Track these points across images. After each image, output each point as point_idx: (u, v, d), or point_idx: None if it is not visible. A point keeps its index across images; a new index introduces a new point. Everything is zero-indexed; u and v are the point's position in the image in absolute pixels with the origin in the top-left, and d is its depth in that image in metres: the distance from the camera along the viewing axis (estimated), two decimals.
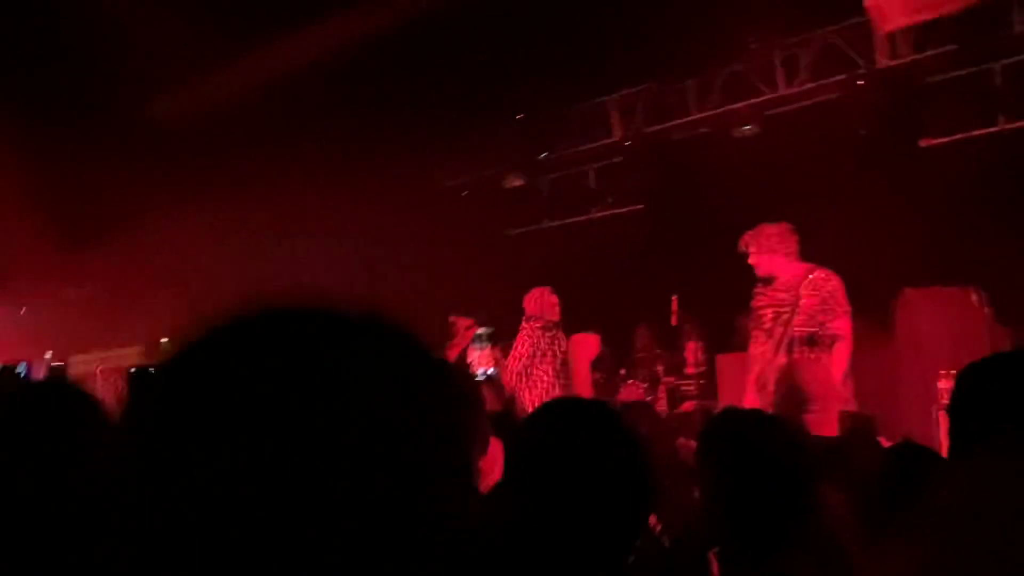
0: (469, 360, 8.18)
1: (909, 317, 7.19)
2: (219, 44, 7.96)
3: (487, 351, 8.44)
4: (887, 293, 6.96)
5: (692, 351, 8.46)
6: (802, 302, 5.57)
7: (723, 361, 7.78)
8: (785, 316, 5.61)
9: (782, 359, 5.53)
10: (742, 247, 5.91)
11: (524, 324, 7.27)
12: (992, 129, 8.08)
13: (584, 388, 7.70)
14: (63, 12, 7.57)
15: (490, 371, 8.12)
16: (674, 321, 8.39)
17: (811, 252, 6.01)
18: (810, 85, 8.76)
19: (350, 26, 7.96)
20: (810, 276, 5.62)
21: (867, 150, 8.19)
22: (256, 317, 0.77)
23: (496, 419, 2.90)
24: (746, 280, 6.08)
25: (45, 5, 7.58)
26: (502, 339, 8.14)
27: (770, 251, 5.77)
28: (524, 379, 7.05)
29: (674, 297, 8.30)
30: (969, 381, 1.93)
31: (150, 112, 8.96)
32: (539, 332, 7.17)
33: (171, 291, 10.11)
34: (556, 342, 7.22)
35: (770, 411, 3.25)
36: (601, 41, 8.46)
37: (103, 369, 10.71)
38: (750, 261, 5.86)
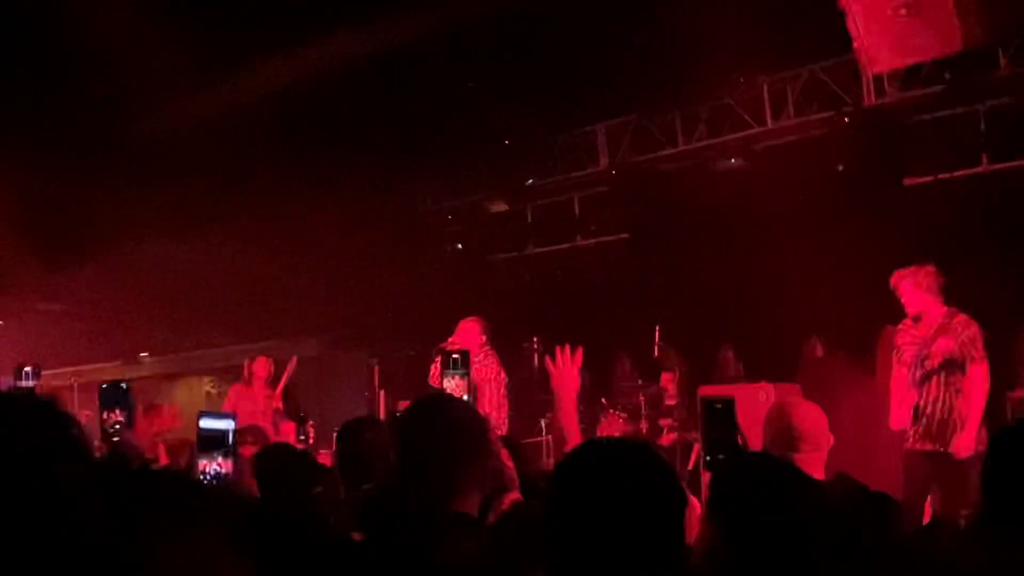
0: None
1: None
2: (203, 67, 7.95)
3: (460, 381, 8.37)
4: (869, 329, 6.99)
5: (671, 382, 8.44)
6: (939, 342, 5.77)
7: (704, 393, 7.77)
8: (924, 353, 5.81)
9: (914, 395, 5.82)
10: (894, 284, 6.02)
11: (489, 350, 7.44)
12: (975, 170, 8.15)
13: (571, 420, 7.64)
14: (46, 31, 7.53)
15: (464, 398, 8.06)
16: (656, 352, 8.38)
17: (793, 287, 6.03)
18: (796, 121, 8.82)
19: (337, 51, 7.96)
20: (952, 319, 5.81)
21: (851, 187, 8.25)
22: None
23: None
24: (728, 313, 6.10)
25: (28, 24, 7.54)
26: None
27: (925, 290, 5.91)
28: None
29: (656, 327, 8.29)
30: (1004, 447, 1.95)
31: (132, 132, 8.92)
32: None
33: (150, 307, 10.03)
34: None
35: (775, 450, 3.22)
36: (590, 71, 8.50)
37: (82, 385, 10.60)
38: (904, 299, 5.98)
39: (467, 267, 11.51)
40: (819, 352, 8.07)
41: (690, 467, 7.39)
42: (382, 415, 9.51)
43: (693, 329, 8.33)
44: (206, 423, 2.72)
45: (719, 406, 2.70)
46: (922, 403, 5.82)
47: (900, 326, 6.11)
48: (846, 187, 8.25)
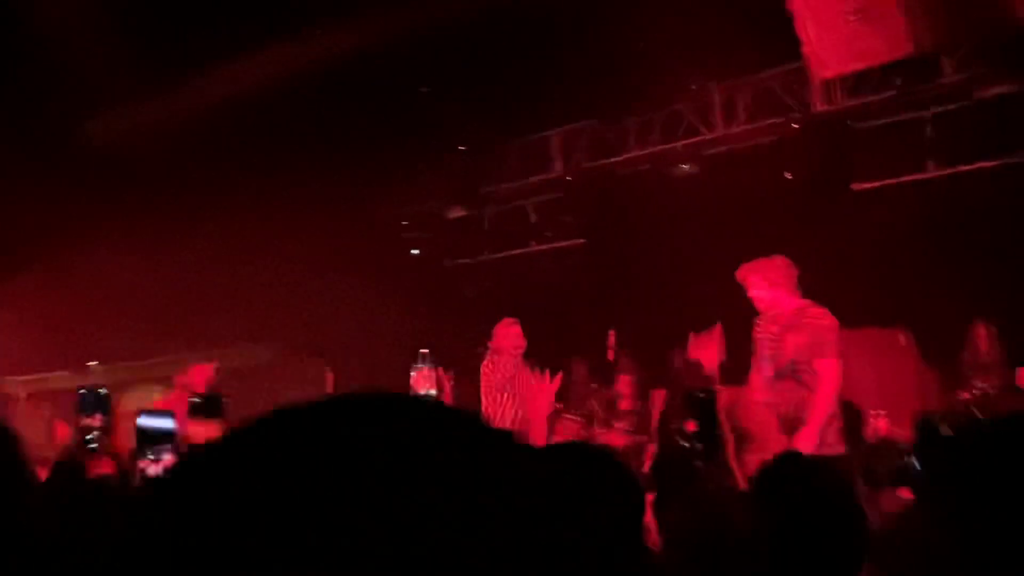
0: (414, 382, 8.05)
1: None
2: (155, 73, 7.87)
3: (429, 372, 8.28)
4: None
5: (627, 386, 8.48)
6: (789, 337, 5.49)
7: (658, 396, 7.83)
8: (775, 351, 5.53)
9: (767, 393, 5.48)
10: (740, 278, 5.77)
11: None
12: (922, 175, 8.30)
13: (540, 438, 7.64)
14: None
15: (432, 392, 7.99)
16: (611, 356, 8.42)
17: (743, 291, 6.08)
18: (747, 127, 8.93)
19: (293, 56, 7.92)
20: (806, 312, 5.54)
21: (801, 192, 8.36)
22: None
23: None
24: (682, 317, 6.12)
25: None
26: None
27: (776, 284, 5.67)
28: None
29: (611, 332, 8.34)
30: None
31: (83, 138, 8.80)
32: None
33: (99, 316, 9.87)
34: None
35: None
36: (545, 77, 8.54)
37: (31, 394, 10.41)
38: (752, 295, 5.74)
39: (423, 273, 11.49)
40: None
41: (645, 470, 7.43)
42: None
43: (647, 333, 8.38)
44: (146, 421, 2.58)
45: (702, 396, 2.74)
46: (775, 401, 5.47)
47: (756, 320, 5.83)
48: (796, 192, 8.37)
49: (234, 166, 9.22)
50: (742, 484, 2.57)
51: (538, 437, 3.15)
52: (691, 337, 4.05)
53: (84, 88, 8.00)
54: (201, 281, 9.93)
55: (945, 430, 2.25)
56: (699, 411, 2.67)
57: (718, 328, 5.35)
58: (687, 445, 2.66)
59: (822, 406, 5.28)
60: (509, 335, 7.28)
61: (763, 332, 5.73)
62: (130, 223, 9.32)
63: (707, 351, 3.40)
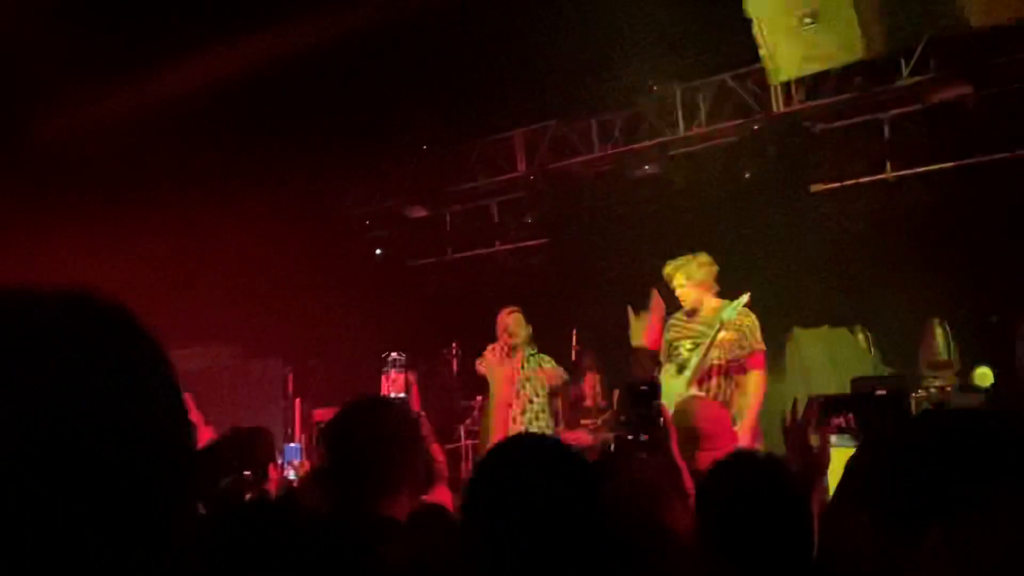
0: (384, 385, 7.99)
1: (798, 354, 7.39)
2: (108, 67, 7.76)
3: (400, 376, 8.26)
4: (779, 331, 7.14)
5: (591, 385, 8.51)
6: (719, 335, 5.54)
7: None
8: (701, 349, 5.58)
9: (694, 393, 5.46)
10: (667, 276, 5.81)
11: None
12: (879, 176, 8.41)
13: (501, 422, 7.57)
14: None
15: (401, 395, 7.97)
16: (574, 355, 8.44)
17: None
18: (707, 128, 9.00)
19: (253, 54, 7.85)
20: (728, 310, 5.59)
21: (761, 192, 8.44)
22: None
23: None
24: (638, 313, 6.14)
25: None
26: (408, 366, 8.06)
27: (698, 282, 5.72)
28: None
29: (574, 331, 8.36)
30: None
31: (35, 135, 8.66)
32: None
33: None
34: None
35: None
36: (507, 77, 8.55)
37: None
38: (678, 293, 5.78)
39: (387, 272, 11.45)
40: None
41: None
42: (297, 423, 9.40)
43: (610, 332, 8.41)
44: None
45: (644, 388, 2.75)
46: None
47: (671, 320, 5.90)
48: (755, 192, 8.44)
49: (193, 165, 9.13)
50: (687, 477, 2.59)
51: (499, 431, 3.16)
52: (631, 322, 3.98)
53: (33, 86, 7.87)
54: (159, 281, 9.82)
55: (879, 390, 2.29)
56: (640, 403, 2.68)
57: (656, 306, 5.35)
58: (631, 437, 2.67)
59: (756, 402, 5.38)
60: (499, 323, 7.07)
61: (682, 332, 5.82)
62: (84, 223, 9.19)
63: (649, 336, 3.43)
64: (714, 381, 5.59)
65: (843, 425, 2.37)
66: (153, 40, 7.59)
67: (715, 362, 5.60)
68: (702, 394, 5.44)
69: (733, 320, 5.57)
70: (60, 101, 8.30)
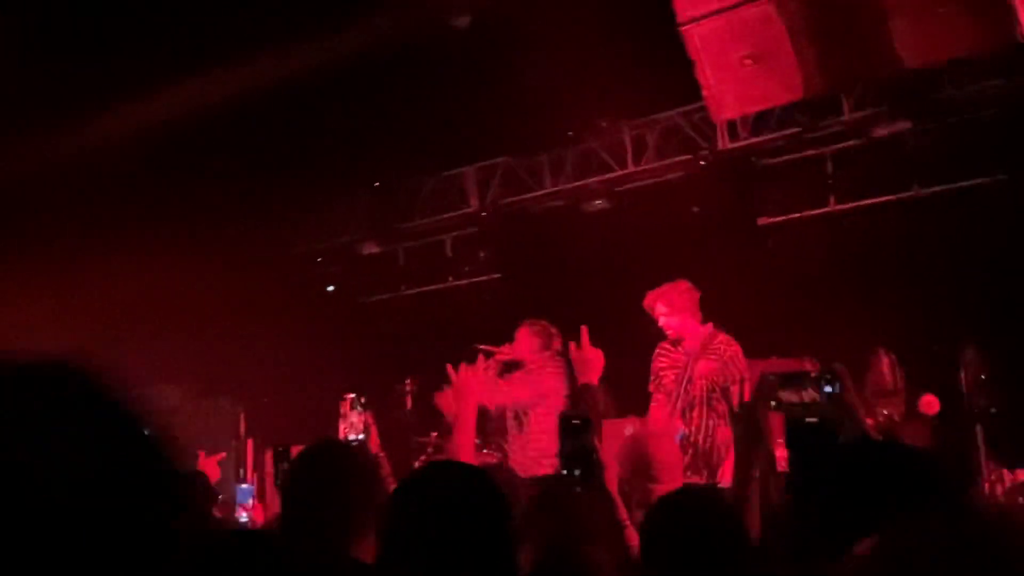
0: (342, 428, 7.87)
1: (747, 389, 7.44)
2: (60, 103, 7.69)
3: (357, 417, 8.15)
4: None
5: None
6: (700, 366, 5.48)
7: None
8: (684, 378, 5.51)
9: (678, 423, 5.41)
10: (648, 306, 5.72)
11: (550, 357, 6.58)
12: (824, 210, 8.59)
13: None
14: None
15: (360, 436, 7.87)
16: None
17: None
18: (656, 164, 9.13)
19: (202, 91, 7.83)
20: (713, 339, 5.54)
21: (710, 226, 8.58)
22: None
23: None
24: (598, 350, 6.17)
25: None
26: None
27: (680, 309, 5.66)
28: None
29: None
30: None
31: None
32: None
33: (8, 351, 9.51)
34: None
35: (619, 482, 3.30)
36: (459, 114, 8.61)
37: None
38: (661, 323, 5.69)
39: (339, 309, 11.41)
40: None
41: None
42: (249, 464, 9.28)
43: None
44: None
45: (576, 422, 2.78)
46: (688, 432, 5.46)
47: (658, 349, 5.83)
48: (704, 226, 8.58)
49: (141, 203, 9.05)
50: (622, 509, 2.63)
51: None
52: (572, 355, 3.99)
53: None
54: (106, 321, 9.68)
55: (809, 418, 2.34)
56: (573, 436, 2.72)
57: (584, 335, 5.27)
58: (564, 472, 2.71)
59: None
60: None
61: (667, 360, 5.76)
62: (32, 263, 9.05)
63: (591, 369, 3.45)
64: (695, 412, 5.50)
65: (795, 401, 2.41)
66: (101, 81, 7.55)
67: (697, 393, 5.50)
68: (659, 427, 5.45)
69: (716, 348, 5.48)
70: (7, 141, 8.19)
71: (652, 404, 5.79)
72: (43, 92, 7.58)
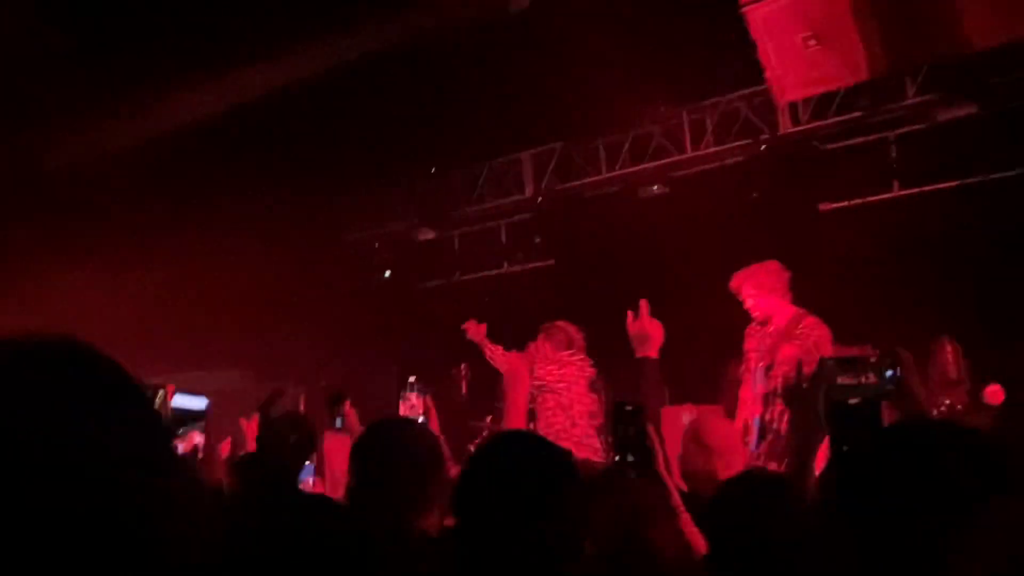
0: (403, 409, 7.93)
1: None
2: (117, 93, 7.82)
3: (417, 399, 8.19)
4: None
5: (597, 404, 8.48)
6: (783, 350, 5.33)
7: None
8: (768, 362, 5.36)
9: (758, 409, 5.29)
10: (735, 287, 5.58)
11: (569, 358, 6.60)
12: (887, 195, 8.42)
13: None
14: None
15: (421, 418, 7.92)
16: None
17: (714, 311, 6.11)
18: (715, 149, 9.02)
19: (259, 79, 7.91)
20: (799, 322, 5.36)
21: (769, 212, 8.45)
22: None
23: None
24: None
25: None
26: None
27: (770, 290, 5.49)
28: None
29: None
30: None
31: (43, 164, 8.72)
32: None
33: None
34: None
35: (681, 465, 3.27)
36: (515, 99, 8.59)
37: None
38: (748, 305, 5.55)
39: (395, 295, 11.48)
40: (740, 374, 8.20)
41: None
42: None
43: (618, 353, 8.41)
44: (179, 401, 2.60)
45: (630, 408, 2.76)
46: (767, 417, 5.31)
47: (748, 329, 5.67)
48: (763, 213, 8.45)
49: (202, 190, 9.19)
50: (675, 496, 2.60)
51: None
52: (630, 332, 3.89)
53: (39, 113, 7.94)
54: (172, 307, 9.86)
55: (852, 399, 2.27)
56: (626, 422, 2.69)
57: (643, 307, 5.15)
58: (617, 458, 2.68)
59: None
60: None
61: (754, 342, 5.60)
62: (97, 249, 9.23)
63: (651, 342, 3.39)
64: (777, 408, 5.30)
65: (854, 384, 2.35)
66: (158, 68, 7.66)
67: (780, 377, 5.33)
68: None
69: (802, 332, 5.30)
70: (64, 131, 8.36)
71: (742, 385, 5.61)
72: (107, 82, 7.71)
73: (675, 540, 2.59)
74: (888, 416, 2.44)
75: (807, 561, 1.94)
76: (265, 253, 9.77)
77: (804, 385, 5.14)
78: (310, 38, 7.60)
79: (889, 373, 2.40)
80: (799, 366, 5.28)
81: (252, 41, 7.58)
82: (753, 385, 5.46)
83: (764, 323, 5.55)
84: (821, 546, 2.02)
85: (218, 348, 10.28)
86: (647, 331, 3.16)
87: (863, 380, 2.32)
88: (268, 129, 8.76)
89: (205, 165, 8.99)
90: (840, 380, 2.31)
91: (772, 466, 5.11)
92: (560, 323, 6.66)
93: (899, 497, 1.41)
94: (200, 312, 10.00)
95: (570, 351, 6.59)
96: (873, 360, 2.40)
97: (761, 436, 5.29)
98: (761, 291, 5.53)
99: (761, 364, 5.44)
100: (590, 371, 6.46)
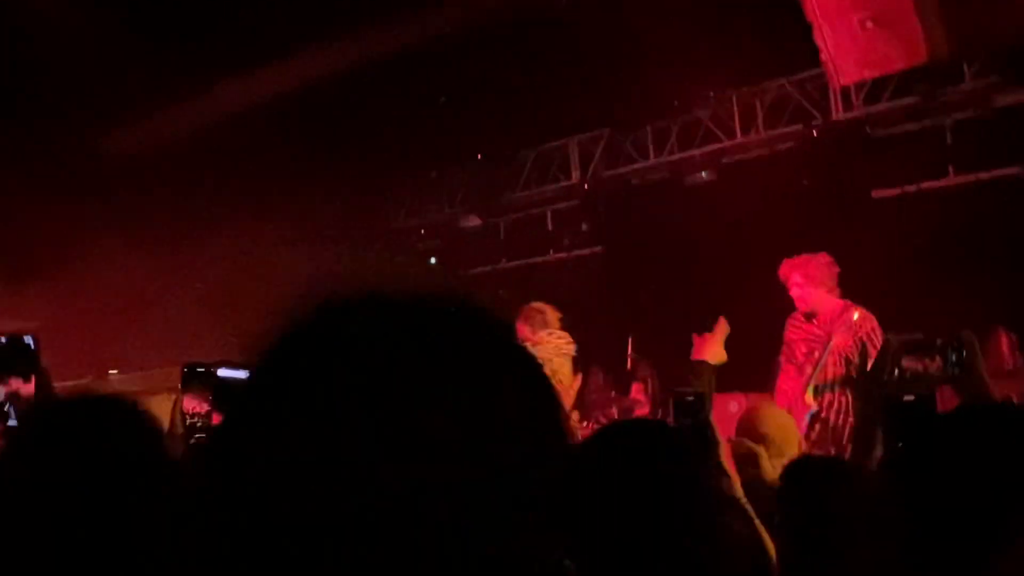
0: None
1: None
2: (168, 80, 7.89)
3: None
4: None
5: (642, 393, 8.43)
6: (835, 341, 5.30)
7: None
8: (817, 354, 5.35)
9: (809, 402, 5.28)
10: (783, 275, 5.57)
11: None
12: (942, 182, 8.25)
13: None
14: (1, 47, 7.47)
15: None
16: (629, 363, 8.38)
17: (763, 299, 6.03)
18: (765, 134, 8.91)
19: (306, 67, 7.94)
20: (848, 314, 5.35)
21: (820, 199, 8.32)
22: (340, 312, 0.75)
23: None
24: (699, 325, 6.06)
25: None
26: None
27: (818, 283, 5.46)
28: None
29: (629, 339, 8.31)
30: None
31: (91, 148, 8.84)
32: None
33: (117, 324, 9.91)
34: None
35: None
36: (561, 85, 8.55)
37: None
38: (793, 293, 5.53)
39: (441, 282, 11.50)
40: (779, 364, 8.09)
41: None
42: None
43: (665, 340, 8.35)
44: (225, 373, 2.55)
45: (690, 399, 2.73)
46: (819, 408, 5.30)
47: (790, 321, 5.65)
48: (815, 199, 8.33)
49: (248, 175, 9.26)
50: (738, 487, 2.56)
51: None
52: (695, 339, 3.95)
53: (95, 99, 8.04)
54: (220, 290, 9.97)
55: (907, 395, 2.21)
56: (686, 413, 2.66)
57: (721, 325, 5.16)
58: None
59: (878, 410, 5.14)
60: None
61: (799, 333, 5.57)
62: (146, 232, 9.36)
63: (710, 349, 3.39)
64: (826, 398, 5.31)
65: (919, 370, 2.29)
66: (213, 55, 7.72)
67: (832, 369, 5.31)
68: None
69: (852, 324, 5.28)
70: (121, 114, 8.47)
71: (780, 375, 5.60)
72: (159, 70, 7.79)
73: (743, 529, 2.57)
74: (952, 401, 2.39)
75: (875, 544, 1.91)
76: (315, 241, 9.84)
77: (858, 376, 5.11)
78: (361, 26, 7.62)
79: (954, 357, 2.35)
80: (857, 355, 5.24)
81: (305, 30, 7.63)
82: (802, 376, 5.41)
83: (809, 316, 5.54)
84: (888, 528, 1.98)
85: (266, 332, 10.37)
86: (709, 343, 3.14)
87: (928, 365, 2.27)
88: (315, 117, 8.80)
89: (254, 152, 9.05)
90: (905, 362, 2.26)
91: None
92: (536, 304, 6.60)
93: (962, 480, 1.38)
94: (248, 296, 10.10)
95: (547, 331, 6.53)
96: (939, 343, 2.34)
97: (810, 426, 5.26)
98: (809, 282, 5.50)
99: (811, 356, 5.40)
100: (568, 348, 6.38)
